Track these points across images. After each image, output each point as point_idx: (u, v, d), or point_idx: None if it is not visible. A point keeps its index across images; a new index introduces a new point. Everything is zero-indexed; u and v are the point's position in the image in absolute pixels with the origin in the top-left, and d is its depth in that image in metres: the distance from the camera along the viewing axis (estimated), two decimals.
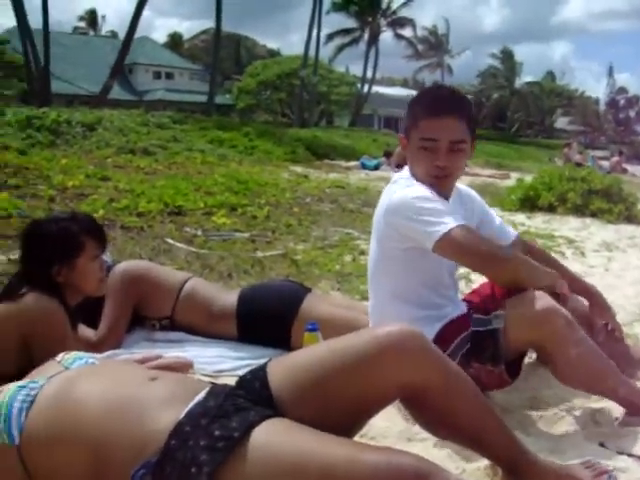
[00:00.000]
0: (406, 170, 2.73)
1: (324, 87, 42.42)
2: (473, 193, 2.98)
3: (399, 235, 2.58)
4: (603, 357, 2.45)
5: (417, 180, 2.63)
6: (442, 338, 2.51)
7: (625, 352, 2.84)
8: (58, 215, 2.85)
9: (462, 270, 4.11)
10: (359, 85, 47.33)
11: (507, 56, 63.92)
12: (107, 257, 3.21)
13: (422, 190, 2.55)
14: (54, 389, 1.89)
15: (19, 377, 2.11)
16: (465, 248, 2.45)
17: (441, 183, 2.62)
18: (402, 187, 2.62)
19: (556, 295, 2.50)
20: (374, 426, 2.35)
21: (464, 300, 2.88)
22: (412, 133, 2.62)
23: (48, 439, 1.78)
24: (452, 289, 2.81)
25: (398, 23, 52.45)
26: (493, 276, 2.62)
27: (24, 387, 1.91)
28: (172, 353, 2.81)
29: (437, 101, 2.63)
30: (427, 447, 2.30)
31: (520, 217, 9.28)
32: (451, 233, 2.42)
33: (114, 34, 60.36)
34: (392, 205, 2.59)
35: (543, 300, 2.41)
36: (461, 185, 2.93)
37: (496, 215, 3.04)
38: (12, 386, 1.92)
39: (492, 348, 2.45)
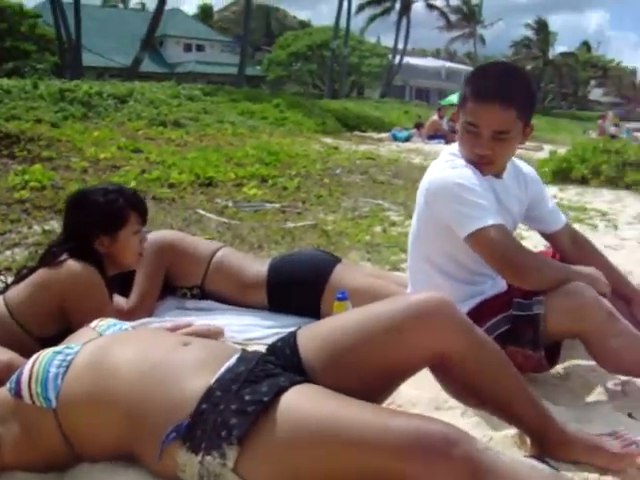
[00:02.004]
0: (456, 145, 2.64)
1: (355, 58, 42.17)
2: (533, 174, 2.85)
3: (435, 216, 2.53)
4: None
5: (465, 158, 2.56)
6: (476, 315, 2.45)
7: None
8: (106, 186, 2.88)
9: None
10: (390, 56, 46.90)
11: (541, 26, 62.94)
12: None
13: (466, 175, 2.46)
14: (89, 354, 1.92)
15: (57, 341, 2.16)
16: (493, 250, 2.38)
17: (483, 168, 2.53)
18: (448, 167, 2.53)
19: None
20: (403, 393, 2.35)
21: None
22: (461, 112, 2.53)
23: (84, 402, 1.82)
24: None
25: None
26: (516, 284, 2.48)
27: (60, 352, 1.95)
28: (203, 321, 2.84)
29: (484, 85, 2.48)
30: (455, 415, 2.30)
31: (553, 190, 9.15)
32: (482, 232, 2.35)
33: (143, 6, 60.27)
34: (433, 185, 2.53)
35: (585, 292, 2.36)
36: (525, 165, 2.87)
37: (551, 200, 2.94)
38: (48, 351, 1.96)
39: (532, 333, 2.40)
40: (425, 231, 2.64)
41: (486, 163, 2.52)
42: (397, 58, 46.58)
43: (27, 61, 26.19)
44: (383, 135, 17.90)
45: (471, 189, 2.41)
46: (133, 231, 2.81)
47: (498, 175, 2.63)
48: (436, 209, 2.52)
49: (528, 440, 2.00)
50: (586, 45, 70.26)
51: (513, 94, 2.44)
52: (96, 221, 2.74)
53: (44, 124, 10.54)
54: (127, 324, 2.30)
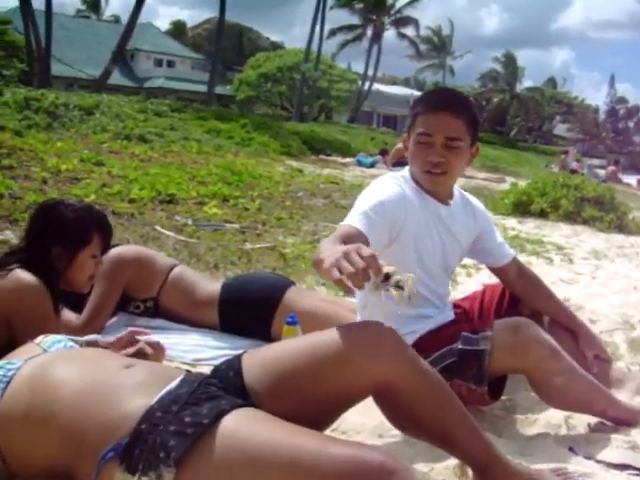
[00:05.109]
0: (406, 170, 2.68)
1: (325, 82, 42.35)
2: (482, 207, 2.92)
3: None
4: (590, 382, 2.45)
5: (414, 179, 2.60)
6: (423, 345, 2.46)
7: (605, 371, 2.84)
8: (76, 203, 2.86)
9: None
10: (360, 82, 47.27)
11: (509, 60, 63.80)
12: None
13: (383, 184, 2.52)
14: (30, 371, 1.90)
15: (2, 354, 2.12)
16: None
17: (436, 180, 2.56)
18: (376, 181, 2.61)
19: (539, 319, 2.48)
20: (347, 420, 2.36)
21: (454, 304, 2.85)
22: (411, 131, 2.59)
23: (22, 419, 1.80)
24: (437, 290, 2.69)
25: (402, 22, 52.22)
26: None
27: (1, 368, 1.92)
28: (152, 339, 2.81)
29: (435, 97, 2.65)
30: (398, 444, 2.31)
31: (511, 221, 9.30)
32: (339, 228, 2.27)
33: (116, 19, 60.12)
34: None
35: (529, 329, 2.40)
36: (473, 198, 2.92)
37: (499, 234, 2.97)
38: None
39: (476, 369, 2.41)
40: None
41: (440, 173, 2.55)
42: (367, 84, 47.00)
43: None
44: (348, 160, 17.95)
45: (375, 192, 2.45)
46: (91, 254, 2.77)
47: (445, 201, 2.66)
48: None
49: (469, 471, 2.00)
50: (552, 81, 71.46)
51: (462, 106, 2.57)
52: (59, 234, 2.70)
53: (7, 132, 10.43)
54: (73, 339, 2.28)
